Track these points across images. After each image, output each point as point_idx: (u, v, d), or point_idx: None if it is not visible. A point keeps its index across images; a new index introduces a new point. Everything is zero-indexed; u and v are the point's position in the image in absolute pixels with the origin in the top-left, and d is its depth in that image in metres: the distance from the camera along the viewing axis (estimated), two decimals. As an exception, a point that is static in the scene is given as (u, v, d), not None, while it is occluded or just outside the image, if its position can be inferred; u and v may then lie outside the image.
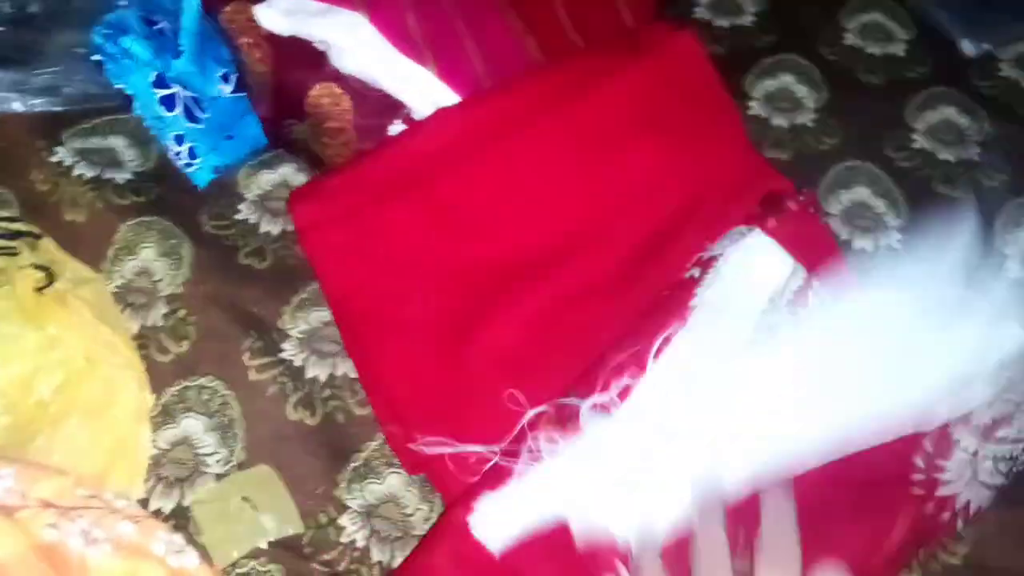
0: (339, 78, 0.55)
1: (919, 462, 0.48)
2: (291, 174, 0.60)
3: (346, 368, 0.53)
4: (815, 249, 0.56)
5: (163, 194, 0.58)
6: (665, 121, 0.57)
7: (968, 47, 0.72)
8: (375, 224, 0.54)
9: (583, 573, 0.44)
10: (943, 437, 0.49)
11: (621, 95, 0.57)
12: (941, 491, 0.48)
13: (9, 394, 0.48)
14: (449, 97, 0.56)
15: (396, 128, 0.56)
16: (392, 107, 0.56)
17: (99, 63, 0.56)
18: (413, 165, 0.53)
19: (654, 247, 0.55)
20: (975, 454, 0.49)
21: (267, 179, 0.60)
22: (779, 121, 0.67)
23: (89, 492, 0.41)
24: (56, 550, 0.36)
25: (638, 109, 0.56)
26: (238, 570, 0.46)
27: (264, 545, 0.47)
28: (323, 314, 0.54)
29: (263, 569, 0.46)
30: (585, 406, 0.47)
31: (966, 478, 0.48)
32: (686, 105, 0.58)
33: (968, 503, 0.48)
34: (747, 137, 0.61)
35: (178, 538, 0.42)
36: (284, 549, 0.47)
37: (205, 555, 0.45)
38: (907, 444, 0.48)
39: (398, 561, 0.47)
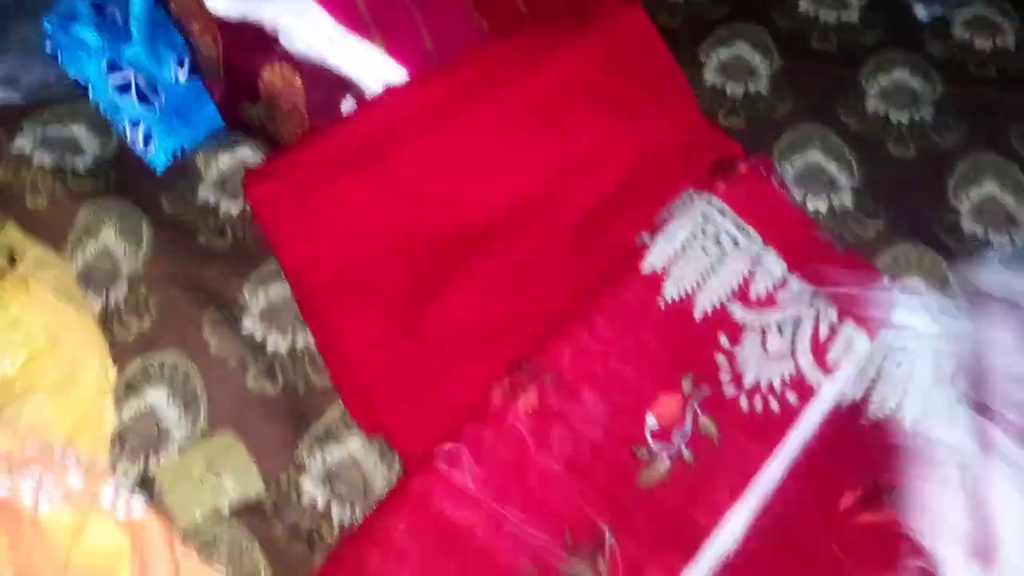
0: (290, 59, 0.56)
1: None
2: (248, 155, 0.61)
3: (306, 340, 0.54)
4: (767, 211, 0.57)
5: (123, 178, 0.60)
6: (614, 92, 0.58)
7: (921, 11, 0.73)
8: (330, 199, 0.55)
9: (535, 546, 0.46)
10: None
11: (570, 67, 0.59)
12: None
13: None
14: (398, 73, 0.57)
15: (347, 105, 0.57)
16: (343, 85, 0.57)
17: (53, 55, 0.57)
18: (366, 141, 0.55)
19: (605, 214, 0.56)
20: None
21: (225, 161, 0.61)
22: (734, 89, 0.68)
23: (39, 448, 0.42)
24: (8, 506, 0.38)
25: (587, 81, 0.57)
26: (204, 536, 0.47)
27: (226, 506, 0.48)
28: (282, 289, 0.56)
29: (225, 534, 0.47)
30: None
31: None
32: (635, 76, 0.60)
33: None
34: (697, 105, 0.62)
35: (126, 491, 0.43)
36: (248, 511, 0.48)
37: (168, 515, 0.46)
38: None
39: (359, 520, 0.49)
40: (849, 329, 0.52)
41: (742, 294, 0.53)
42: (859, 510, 0.48)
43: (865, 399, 0.51)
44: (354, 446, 0.51)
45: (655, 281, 0.52)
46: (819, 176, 0.63)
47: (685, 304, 0.52)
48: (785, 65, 0.70)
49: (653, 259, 0.53)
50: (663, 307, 0.52)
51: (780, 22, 0.73)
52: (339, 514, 0.49)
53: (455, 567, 0.45)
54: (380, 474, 0.51)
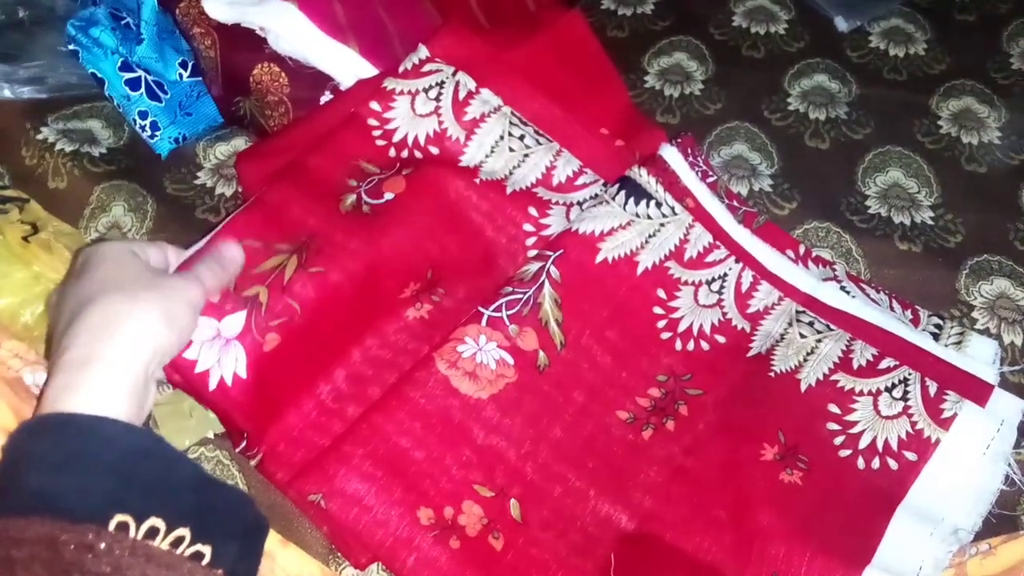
0: (277, 58, 0.65)
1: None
2: (242, 145, 0.70)
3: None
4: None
5: (132, 164, 0.69)
6: (556, 85, 0.66)
7: (841, 24, 0.82)
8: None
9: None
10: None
11: (521, 64, 0.67)
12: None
13: (0, 320, 0.58)
14: (371, 71, 0.66)
15: (326, 98, 0.66)
16: (322, 81, 0.66)
17: (74, 52, 0.66)
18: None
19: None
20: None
21: (222, 150, 0.70)
22: (670, 91, 0.77)
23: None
24: (19, 383, 0.46)
25: (532, 76, 0.65)
26: (191, 455, 0.55)
27: (211, 435, 0.55)
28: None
29: (211, 454, 0.55)
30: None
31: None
32: (577, 73, 0.68)
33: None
34: (629, 98, 0.71)
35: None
36: (228, 439, 0.56)
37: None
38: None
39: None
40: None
41: (678, 254, 0.60)
42: (778, 468, 0.53)
43: (771, 352, 0.59)
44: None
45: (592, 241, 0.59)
46: (742, 164, 0.71)
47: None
48: (718, 71, 0.79)
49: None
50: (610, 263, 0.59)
51: (716, 34, 0.82)
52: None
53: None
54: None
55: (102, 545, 0.33)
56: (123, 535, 0.34)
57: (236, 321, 0.49)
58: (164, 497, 0.37)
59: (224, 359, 0.49)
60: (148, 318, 0.42)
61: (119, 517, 0.34)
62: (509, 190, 0.61)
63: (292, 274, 0.52)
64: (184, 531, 0.36)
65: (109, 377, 0.39)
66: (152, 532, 0.35)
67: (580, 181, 0.63)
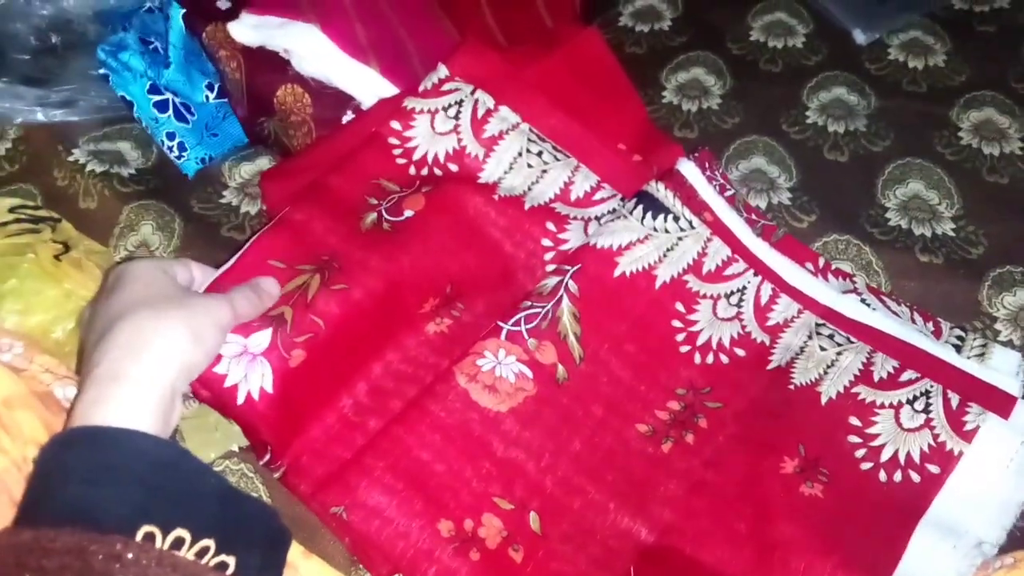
0: (300, 79, 0.67)
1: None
2: (266, 164, 0.71)
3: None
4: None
5: (159, 185, 0.70)
6: (573, 102, 0.67)
7: (860, 36, 0.82)
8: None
9: None
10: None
11: (539, 80, 0.67)
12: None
13: (33, 336, 0.59)
14: (391, 90, 0.67)
15: (348, 118, 0.67)
16: (344, 101, 0.67)
17: (105, 76, 0.68)
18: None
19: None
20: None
21: (247, 169, 0.71)
22: (688, 106, 0.77)
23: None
24: (50, 397, 0.47)
25: (549, 92, 0.66)
26: (216, 467, 0.56)
27: (236, 448, 0.56)
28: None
29: (235, 467, 0.56)
30: None
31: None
32: (590, 88, 0.69)
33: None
34: (646, 113, 0.71)
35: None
36: (252, 452, 0.57)
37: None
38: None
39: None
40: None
41: (697, 267, 0.61)
42: (799, 480, 0.53)
43: (790, 364, 0.59)
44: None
45: (610, 256, 0.60)
46: (761, 178, 0.72)
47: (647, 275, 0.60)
48: (736, 85, 0.79)
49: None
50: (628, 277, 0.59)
51: (733, 48, 0.82)
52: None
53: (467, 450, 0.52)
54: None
55: (130, 555, 0.34)
56: (150, 545, 0.35)
57: (262, 338, 0.50)
58: (190, 508, 0.38)
59: (251, 374, 0.50)
60: (174, 335, 0.43)
61: (146, 528, 0.35)
62: (527, 206, 0.62)
63: (315, 292, 0.53)
64: (209, 542, 0.37)
65: (137, 392, 0.40)
66: (178, 543, 0.36)
67: (598, 196, 0.63)
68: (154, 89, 0.68)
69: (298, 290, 0.53)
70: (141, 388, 0.41)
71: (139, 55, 0.67)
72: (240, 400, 0.50)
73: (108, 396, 0.40)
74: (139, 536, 0.35)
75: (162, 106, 0.68)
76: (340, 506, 0.50)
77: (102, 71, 0.69)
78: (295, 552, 0.49)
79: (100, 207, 0.69)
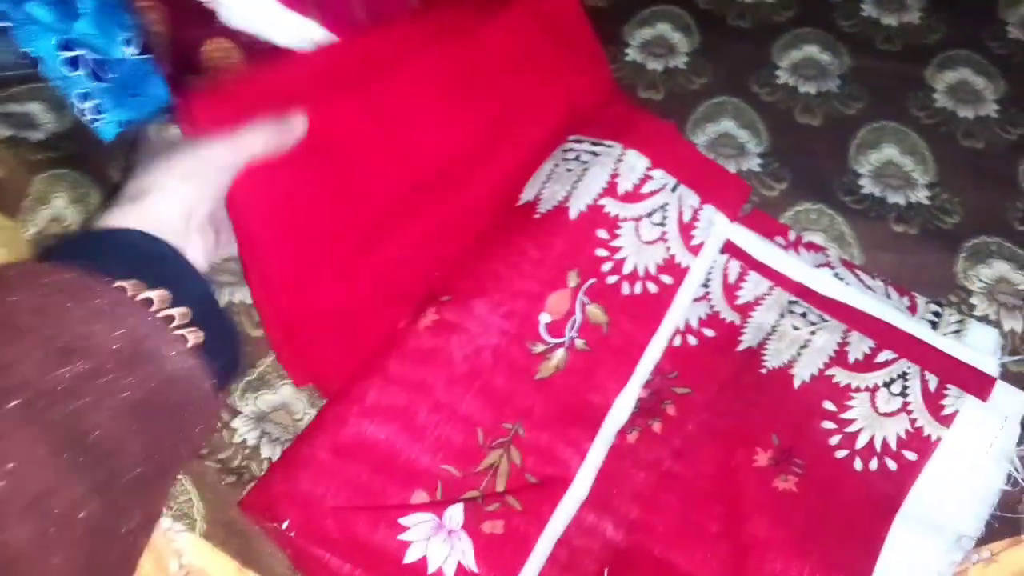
0: (229, 33, 0.60)
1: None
2: (195, 127, 0.65)
3: (243, 295, 0.58)
4: (622, 123, 0.60)
5: (75, 151, 0.64)
6: (537, 58, 0.61)
7: (833, -9, 0.78)
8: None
9: (453, 449, 0.49)
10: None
11: (497, 35, 0.61)
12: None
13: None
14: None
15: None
16: (279, 57, 0.61)
17: (4, 30, 0.61)
18: (291, 93, 0.56)
19: (522, 173, 0.60)
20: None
21: (176, 133, 0.65)
22: (653, 65, 0.73)
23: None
24: None
25: (513, 47, 0.61)
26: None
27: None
28: (222, 248, 0.59)
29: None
30: None
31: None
32: (556, 45, 0.63)
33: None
34: (611, 73, 0.66)
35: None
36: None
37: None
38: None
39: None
40: (709, 210, 0.57)
41: (611, 190, 0.56)
42: (773, 474, 0.50)
43: (762, 345, 0.56)
44: (285, 393, 0.55)
45: (530, 206, 0.56)
46: (730, 142, 0.68)
47: (560, 210, 0.55)
48: (703, 41, 0.74)
49: (525, 195, 0.58)
50: (538, 217, 0.55)
51: (700, 2, 0.77)
52: (268, 451, 0.53)
53: (382, 478, 0.47)
54: (309, 418, 0.54)
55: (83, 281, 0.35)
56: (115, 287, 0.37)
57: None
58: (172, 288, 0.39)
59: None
60: (164, 179, 0.45)
61: (120, 283, 0.37)
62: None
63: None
64: (184, 310, 0.38)
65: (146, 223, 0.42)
66: (147, 301, 0.37)
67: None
68: (66, 45, 0.61)
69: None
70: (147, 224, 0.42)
71: (45, 5, 0.59)
72: None
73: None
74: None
75: (73, 63, 0.61)
76: None
77: (3, 24, 0.61)
78: (230, 568, 0.44)
79: (7, 177, 0.62)
